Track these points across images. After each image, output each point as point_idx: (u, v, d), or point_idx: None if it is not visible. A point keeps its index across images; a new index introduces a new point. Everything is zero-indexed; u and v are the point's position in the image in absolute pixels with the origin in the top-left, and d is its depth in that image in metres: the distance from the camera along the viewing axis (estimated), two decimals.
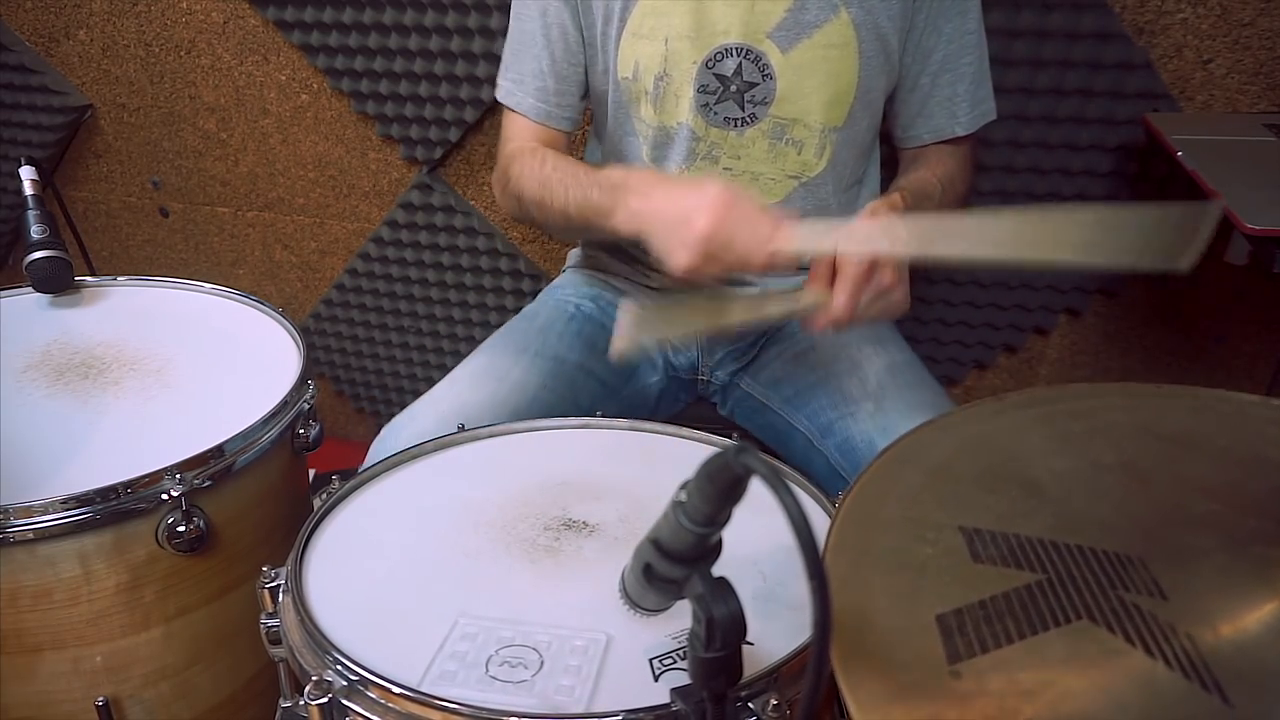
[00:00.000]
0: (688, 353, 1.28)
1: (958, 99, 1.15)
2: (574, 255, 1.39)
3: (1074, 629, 0.52)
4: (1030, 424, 0.73)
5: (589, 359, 1.21)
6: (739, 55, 1.08)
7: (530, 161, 1.13)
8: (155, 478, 0.88)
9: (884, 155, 1.27)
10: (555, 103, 1.18)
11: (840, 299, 0.88)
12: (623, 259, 1.28)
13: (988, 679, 0.49)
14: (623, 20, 1.10)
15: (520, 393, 1.11)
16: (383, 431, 1.08)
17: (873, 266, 0.89)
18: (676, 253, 0.91)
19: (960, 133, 1.16)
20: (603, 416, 1.00)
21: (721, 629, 0.52)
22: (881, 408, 1.07)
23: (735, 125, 1.11)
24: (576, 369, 1.19)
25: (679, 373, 1.29)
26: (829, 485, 1.12)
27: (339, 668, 0.65)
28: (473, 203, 1.80)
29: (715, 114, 1.11)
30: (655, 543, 0.57)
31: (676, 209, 0.92)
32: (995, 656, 0.50)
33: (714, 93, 1.10)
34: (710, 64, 1.09)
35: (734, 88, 1.09)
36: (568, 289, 1.30)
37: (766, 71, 1.08)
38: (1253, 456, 0.68)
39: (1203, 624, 0.52)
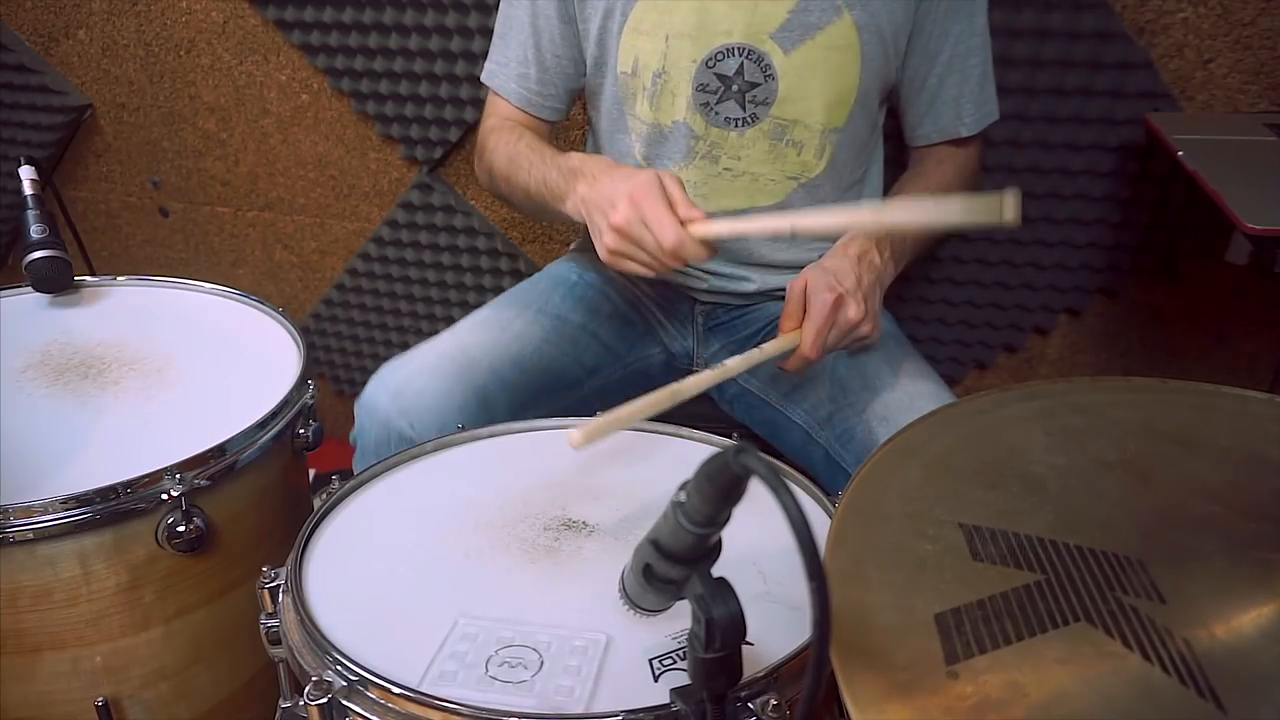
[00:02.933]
0: (683, 341, 1.28)
1: (963, 100, 1.15)
2: (577, 242, 1.39)
3: (1072, 631, 0.52)
4: (1032, 418, 0.73)
5: (591, 321, 1.21)
6: (740, 55, 1.08)
7: (507, 136, 1.17)
8: (155, 478, 0.88)
9: (887, 155, 1.27)
10: (537, 90, 1.20)
11: (808, 336, 0.97)
12: None
13: (985, 680, 0.49)
14: (624, 15, 1.11)
15: (521, 341, 1.12)
16: (380, 369, 1.08)
17: (838, 303, 0.98)
18: (600, 238, 0.96)
19: (965, 133, 1.17)
20: (602, 413, 1.00)
21: (721, 629, 0.52)
22: (881, 399, 1.07)
23: (736, 125, 1.11)
24: (579, 329, 1.19)
25: (675, 360, 1.29)
26: (827, 477, 1.12)
27: (339, 668, 0.65)
28: (473, 203, 1.80)
29: (716, 114, 1.11)
30: (655, 543, 0.57)
31: (607, 194, 0.95)
32: (992, 657, 0.50)
33: (714, 92, 1.10)
34: (710, 63, 1.09)
35: (735, 87, 1.09)
36: (570, 263, 1.31)
37: (769, 72, 1.08)
38: (1254, 457, 0.68)
39: (1200, 628, 0.52)
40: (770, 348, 0.97)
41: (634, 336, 1.26)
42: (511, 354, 1.10)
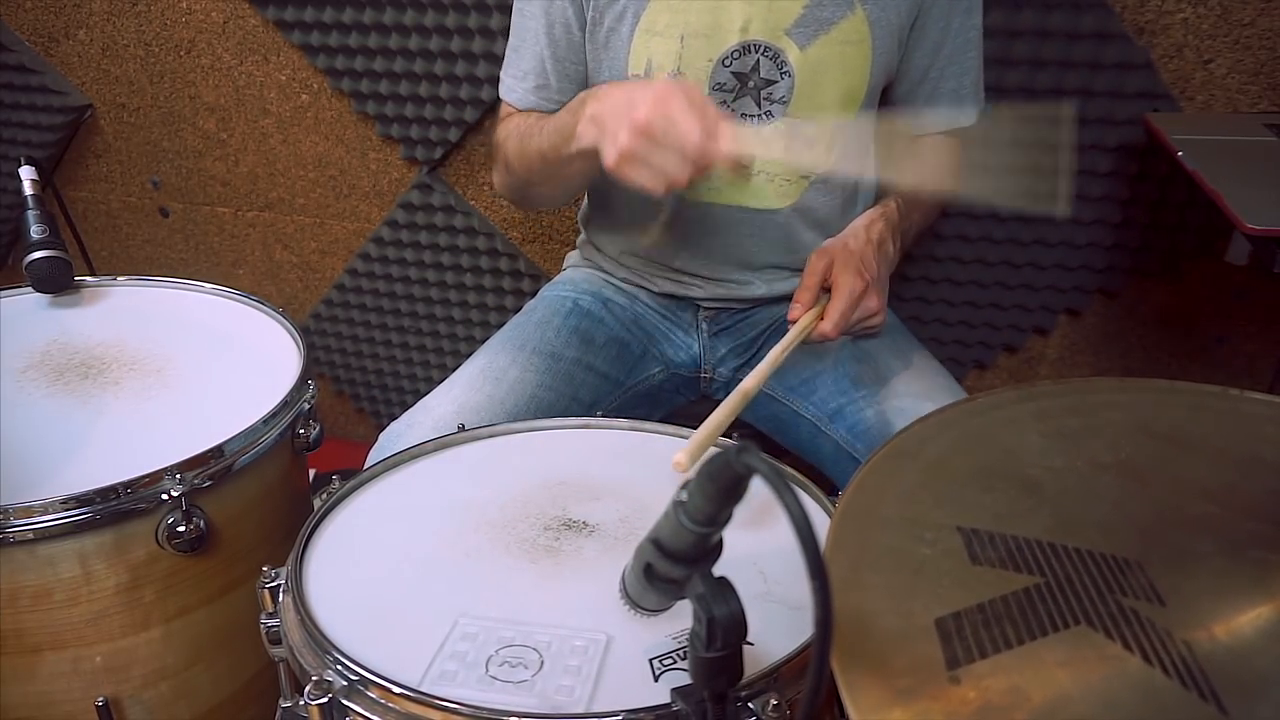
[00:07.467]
0: (689, 349, 1.28)
1: (964, 91, 1.16)
2: (573, 257, 1.39)
3: (1072, 634, 0.52)
4: (1028, 420, 0.73)
5: (586, 354, 1.20)
6: (757, 52, 1.08)
7: (518, 121, 1.17)
8: (155, 478, 0.88)
9: None
10: (557, 100, 1.17)
11: (834, 317, 0.98)
12: (624, 250, 1.29)
13: (986, 684, 0.49)
14: (636, 17, 1.09)
15: (517, 392, 1.11)
16: (380, 438, 1.08)
17: (865, 290, 0.99)
18: (614, 137, 0.88)
19: (965, 123, 1.17)
20: (603, 416, 1.00)
21: (722, 629, 0.52)
22: (894, 391, 1.08)
23: (752, 123, 1.11)
24: (574, 364, 1.18)
25: (680, 369, 1.28)
26: (836, 470, 1.13)
27: (339, 668, 0.65)
28: (473, 203, 1.80)
29: (732, 111, 1.11)
30: (656, 542, 0.57)
31: (624, 99, 0.90)
32: (994, 661, 0.50)
33: (731, 90, 1.10)
34: (727, 61, 1.08)
35: (751, 84, 1.09)
36: (566, 285, 1.30)
37: (785, 69, 1.08)
38: (1251, 457, 0.68)
39: (1199, 629, 0.52)
40: (796, 331, 0.98)
41: (631, 359, 1.25)
42: (508, 408, 1.09)
